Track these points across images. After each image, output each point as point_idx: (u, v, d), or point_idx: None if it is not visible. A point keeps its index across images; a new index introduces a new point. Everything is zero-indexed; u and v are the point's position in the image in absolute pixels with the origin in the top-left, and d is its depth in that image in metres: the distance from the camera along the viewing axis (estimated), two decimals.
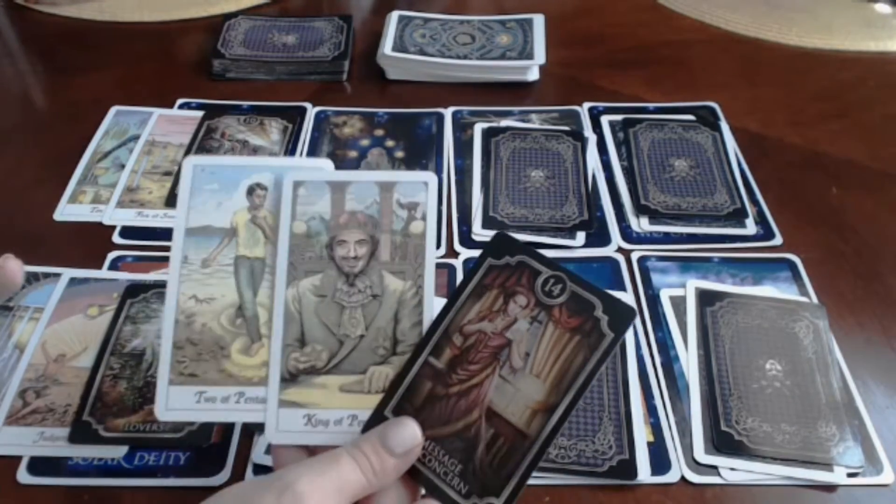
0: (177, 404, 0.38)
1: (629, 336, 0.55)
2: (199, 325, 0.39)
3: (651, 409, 0.51)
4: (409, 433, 0.36)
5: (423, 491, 0.37)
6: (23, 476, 0.48)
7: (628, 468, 0.48)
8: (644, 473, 0.47)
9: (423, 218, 0.40)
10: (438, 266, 0.60)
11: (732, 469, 0.48)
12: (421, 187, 0.41)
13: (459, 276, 0.60)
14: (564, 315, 0.37)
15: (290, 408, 0.38)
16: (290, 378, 0.38)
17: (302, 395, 0.38)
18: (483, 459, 0.36)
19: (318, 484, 0.32)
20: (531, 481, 0.47)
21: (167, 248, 0.40)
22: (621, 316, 0.36)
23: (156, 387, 0.39)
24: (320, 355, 0.39)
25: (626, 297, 0.58)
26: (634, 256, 0.61)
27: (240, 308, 0.40)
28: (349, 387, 0.38)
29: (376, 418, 0.37)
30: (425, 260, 0.40)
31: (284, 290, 0.39)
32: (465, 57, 0.79)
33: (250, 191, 0.41)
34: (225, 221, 0.41)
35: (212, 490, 0.35)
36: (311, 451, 0.38)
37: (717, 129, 0.73)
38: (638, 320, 0.57)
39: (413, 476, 0.36)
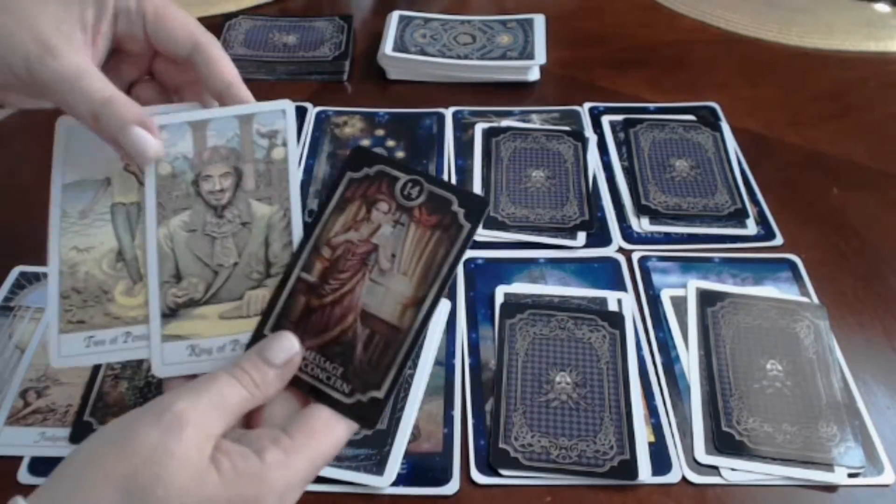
0: (68, 351, 0.40)
1: (630, 336, 0.55)
2: (83, 274, 0.40)
3: (652, 410, 0.51)
4: (286, 344, 0.37)
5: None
6: (24, 476, 0.48)
7: (629, 468, 0.48)
8: (645, 474, 0.48)
9: (284, 144, 0.42)
10: None
11: (733, 469, 0.48)
12: (279, 115, 0.42)
13: (460, 277, 0.60)
14: (424, 214, 0.39)
15: (173, 341, 0.39)
16: (171, 313, 0.40)
17: (183, 327, 0.40)
18: (362, 358, 0.38)
19: (196, 402, 0.33)
20: (531, 481, 0.47)
21: None
22: (475, 206, 0.39)
23: (47, 337, 0.40)
24: (197, 287, 0.40)
25: (627, 298, 0.58)
26: (635, 257, 0.61)
27: (119, 252, 0.41)
28: (228, 313, 0.40)
29: (256, 339, 0.39)
30: (289, 183, 0.41)
31: (155, 230, 0.41)
32: (466, 57, 0.79)
33: None
34: (99, 174, 0.42)
35: None
36: None
37: (718, 129, 0.73)
38: (639, 320, 0.57)
39: (297, 386, 0.38)
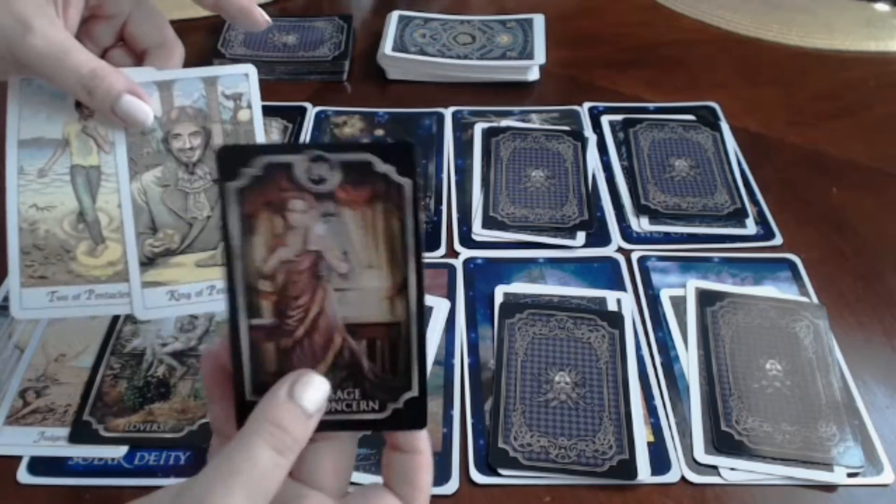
0: (31, 304, 0.41)
1: (629, 336, 0.55)
2: (43, 232, 0.42)
3: (651, 409, 0.51)
4: (320, 387, 0.31)
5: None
6: (23, 476, 0.48)
7: (628, 468, 0.48)
8: (644, 473, 0.48)
9: (249, 106, 0.44)
10: (438, 266, 0.61)
11: (733, 469, 0.48)
12: (242, 79, 0.44)
13: (460, 277, 0.60)
14: (350, 191, 0.32)
15: (153, 287, 0.42)
16: (149, 262, 0.42)
17: (162, 274, 0.42)
18: (373, 370, 0.33)
19: (234, 495, 0.27)
20: (530, 481, 0.47)
21: None
22: (403, 155, 0.31)
23: (8, 291, 0.41)
24: (173, 238, 0.42)
25: (627, 298, 0.58)
26: (634, 256, 0.61)
27: (80, 214, 0.42)
28: (204, 262, 0.43)
29: (242, 408, 0.32)
30: (256, 141, 0.44)
31: (129, 184, 0.43)
32: (466, 57, 0.79)
33: (78, 103, 0.42)
34: (56, 133, 0.42)
35: None
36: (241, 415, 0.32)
37: (718, 129, 0.73)
38: (638, 320, 0.57)
39: (321, 429, 0.32)
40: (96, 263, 0.42)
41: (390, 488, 0.33)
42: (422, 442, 0.33)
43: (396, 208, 0.32)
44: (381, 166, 0.31)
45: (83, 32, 0.42)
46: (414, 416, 0.33)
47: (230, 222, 0.32)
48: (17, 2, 0.37)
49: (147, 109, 0.40)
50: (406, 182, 0.31)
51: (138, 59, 0.46)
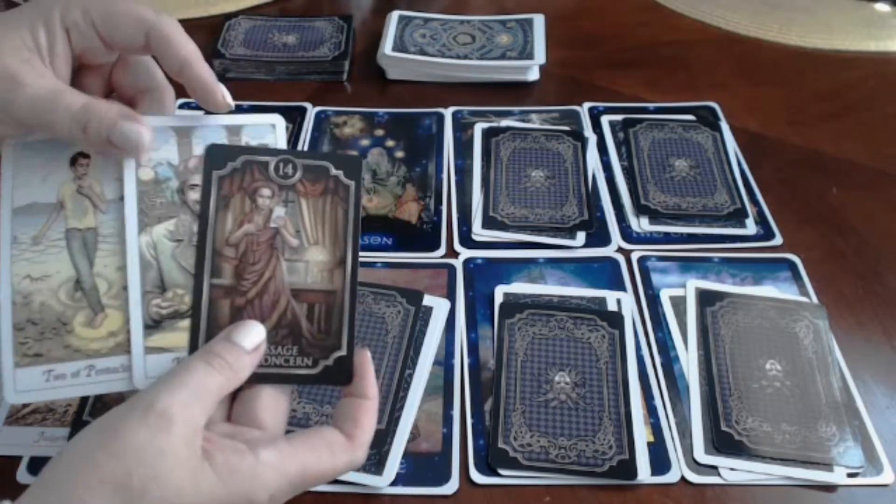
0: (26, 386, 0.38)
1: (629, 336, 0.55)
2: (38, 304, 0.38)
3: (651, 410, 0.51)
4: (255, 329, 0.37)
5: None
6: (23, 476, 0.48)
7: (628, 468, 0.48)
8: (644, 473, 0.48)
9: None
10: (438, 266, 0.61)
11: (732, 469, 0.48)
12: (268, 129, 0.41)
13: (460, 277, 0.60)
14: (308, 186, 0.40)
15: (157, 353, 0.38)
16: (154, 325, 0.39)
17: (167, 339, 0.38)
18: (311, 330, 0.39)
19: (178, 396, 0.33)
20: (530, 481, 0.48)
21: None
22: (352, 164, 0.40)
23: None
24: (183, 299, 0.39)
25: (626, 298, 0.58)
26: (634, 256, 0.61)
27: (77, 281, 0.39)
28: None
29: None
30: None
31: (136, 237, 0.39)
32: (466, 57, 0.79)
33: (73, 161, 0.40)
34: (51, 196, 0.39)
35: None
36: None
37: (717, 129, 0.73)
38: (638, 320, 0.57)
39: (261, 381, 0.38)
40: (95, 335, 0.38)
41: (335, 426, 0.38)
42: (371, 390, 0.38)
43: (343, 201, 0.40)
44: (334, 171, 0.40)
45: (75, 86, 0.39)
46: (341, 373, 0.39)
47: (210, 200, 0.39)
48: (4, 58, 0.36)
49: (147, 133, 0.37)
50: (352, 184, 0.40)
51: (130, 106, 0.42)
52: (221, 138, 0.41)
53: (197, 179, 0.40)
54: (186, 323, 0.39)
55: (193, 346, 0.38)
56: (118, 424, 0.32)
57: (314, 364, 0.39)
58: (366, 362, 0.39)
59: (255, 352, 0.37)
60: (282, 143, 0.41)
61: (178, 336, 0.39)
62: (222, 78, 0.81)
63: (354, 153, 0.42)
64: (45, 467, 0.32)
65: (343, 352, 0.39)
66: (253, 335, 0.37)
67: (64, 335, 0.38)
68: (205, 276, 0.39)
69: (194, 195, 0.40)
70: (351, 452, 0.37)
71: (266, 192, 0.39)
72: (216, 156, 0.40)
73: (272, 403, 0.38)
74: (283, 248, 0.39)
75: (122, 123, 0.37)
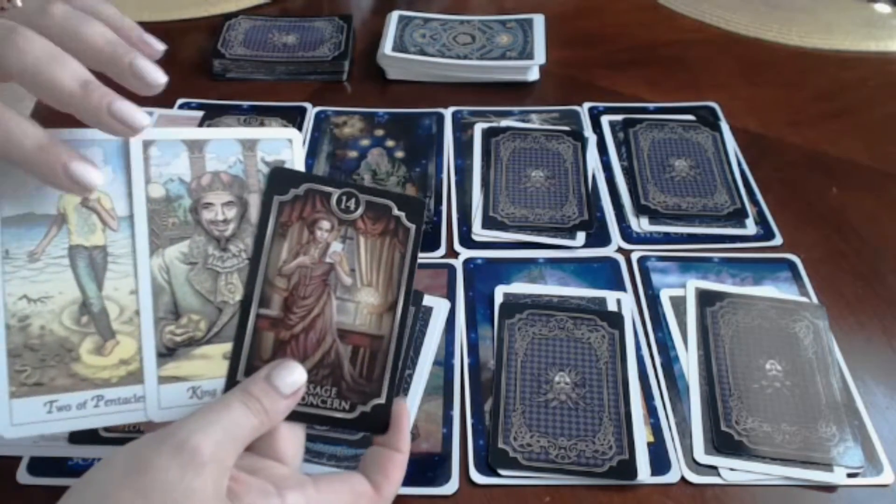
0: (23, 418, 0.34)
1: (629, 336, 0.55)
2: (37, 329, 0.35)
3: (651, 410, 0.51)
4: (297, 373, 0.36)
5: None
6: (23, 476, 0.48)
7: (628, 468, 0.48)
8: (644, 474, 0.48)
9: None
10: (438, 266, 0.61)
11: (732, 469, 0.48)
12: (285, 144, 0.39)
13: (460, 277, 0.60)
14: (368, 224, 0.39)
15: (171, 383, 0.36)
16: (168, 353, 0.36)
17: (182, 368, 0.36)
18: (352, 374, 0.38)
19: (211, 434, 0.32)
20: (530, 481, 0.47)
21: None
22: (415, 207, 0.40)
23: None
24: (198, 325, 0.37)
25: (626, 298, 0.58)
26: (634, 256, 0.61)
27: (84, 304, 0.35)
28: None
29: (231, 387, 0.37)
30: None
31: (148, 260, 0.36)
32: (465, 57, 0.79)
33: None
34: (49, 207, 0.35)
35: None
36: None
37: (717, 129, 0.73)
38: (638, 320, 0.57)
39: (297, 419, 0.37)
40: (105, 363, 0.35)
41: (363, 473, 0.37)
42: (404, 444, 0.38)
43: (401, 244, 0.39)
44: (396, 211, 0.39)
45: None
46: (377, 422, 0.38)
47: (268, 226, 0.38)
48: None
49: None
50: (413, 227, 0.39)
51: None
52: (236, 153, 0.38)
53: (211, 197, 0.38)
54: (202, 351, 0.37)
55: (231, 374, 0.37)
56: (148, 456, 0.31)
57: (351, 409, 0.37)
58: (403, 415, 0.38)
59: (293, 396, 0.36)
60: (299, 158, 0.39)
61: (193, 364, 0.37)
62: (222, 78, 0.82)
63: (419, 196, 0.41)
64: (69, 495, 0.31)
65: (382, 400, 0.38)
66: (294, 377, 0.36)
67: (69, 363, 0.35)
68: (253, 304, 0.37)
69: (209, 215, 0.37)
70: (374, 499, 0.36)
71: (326, 224, 0.38)
72: (279, 180, 0.38)
73: (290, 435, 0.37)
74: (335, 285, 0.38)
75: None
